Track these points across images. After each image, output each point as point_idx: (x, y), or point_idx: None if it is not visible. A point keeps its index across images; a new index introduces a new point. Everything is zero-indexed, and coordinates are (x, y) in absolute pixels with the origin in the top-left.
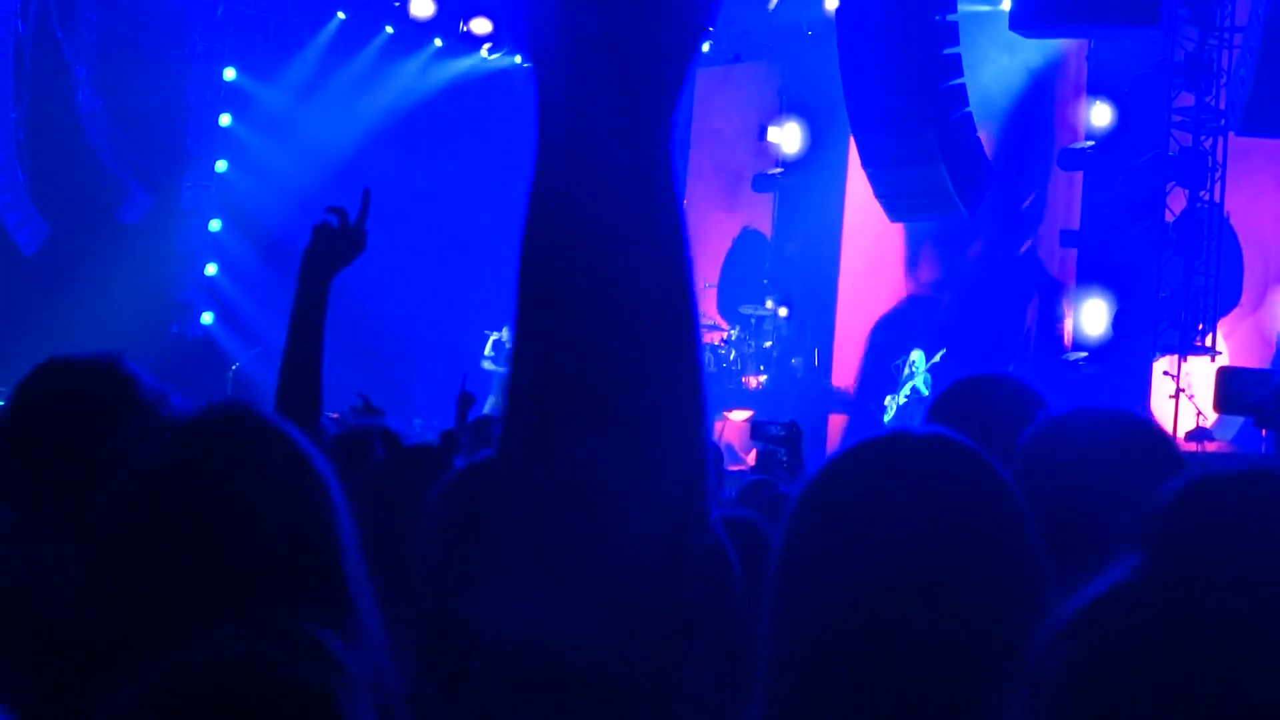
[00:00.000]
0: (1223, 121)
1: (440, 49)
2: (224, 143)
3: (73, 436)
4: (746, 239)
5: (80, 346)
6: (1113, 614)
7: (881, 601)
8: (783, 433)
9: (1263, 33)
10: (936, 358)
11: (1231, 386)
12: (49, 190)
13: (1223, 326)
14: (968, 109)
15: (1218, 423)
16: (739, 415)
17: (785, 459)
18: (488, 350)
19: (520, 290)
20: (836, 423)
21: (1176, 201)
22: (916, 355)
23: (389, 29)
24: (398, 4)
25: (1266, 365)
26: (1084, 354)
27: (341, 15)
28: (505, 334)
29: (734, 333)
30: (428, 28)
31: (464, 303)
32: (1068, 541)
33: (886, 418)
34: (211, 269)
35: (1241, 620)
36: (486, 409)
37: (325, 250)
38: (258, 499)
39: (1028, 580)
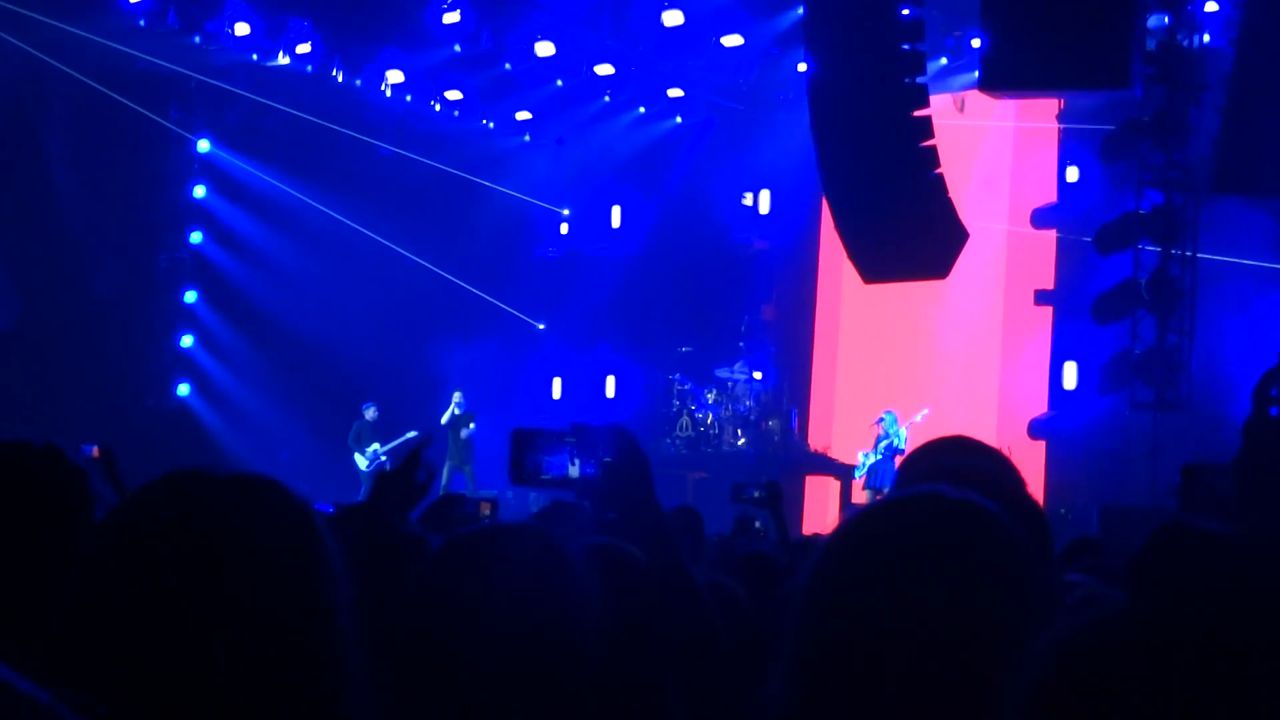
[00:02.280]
0: (1193, 179)
1: (409, 111)
2: (198, 214)
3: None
4: (722, 302)
5: (55, 420)
6: (1103, 637)
7: (901, 652)
8: (762, 494)
9: (1229, 91)
10: (918, 417)
11: (1197, 485)
12: (23, 264)
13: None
14: (939, 170)
15: None
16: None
17: (761, 524)
18: (445, 419)
19: None
20: (813, 484)
21: (1149, 259)
22: (888, 416)
23: (345, 76)
24: (360, 78)
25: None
26: (1055, 413)
27: (309, 68)
28: (458, 397)
29: (711, 396)
30: (395, 90)
31: (435, 360)
32: None
33: (858, 473)
34: (187, 340)
35: (1215, 643)
36: (444, 477)
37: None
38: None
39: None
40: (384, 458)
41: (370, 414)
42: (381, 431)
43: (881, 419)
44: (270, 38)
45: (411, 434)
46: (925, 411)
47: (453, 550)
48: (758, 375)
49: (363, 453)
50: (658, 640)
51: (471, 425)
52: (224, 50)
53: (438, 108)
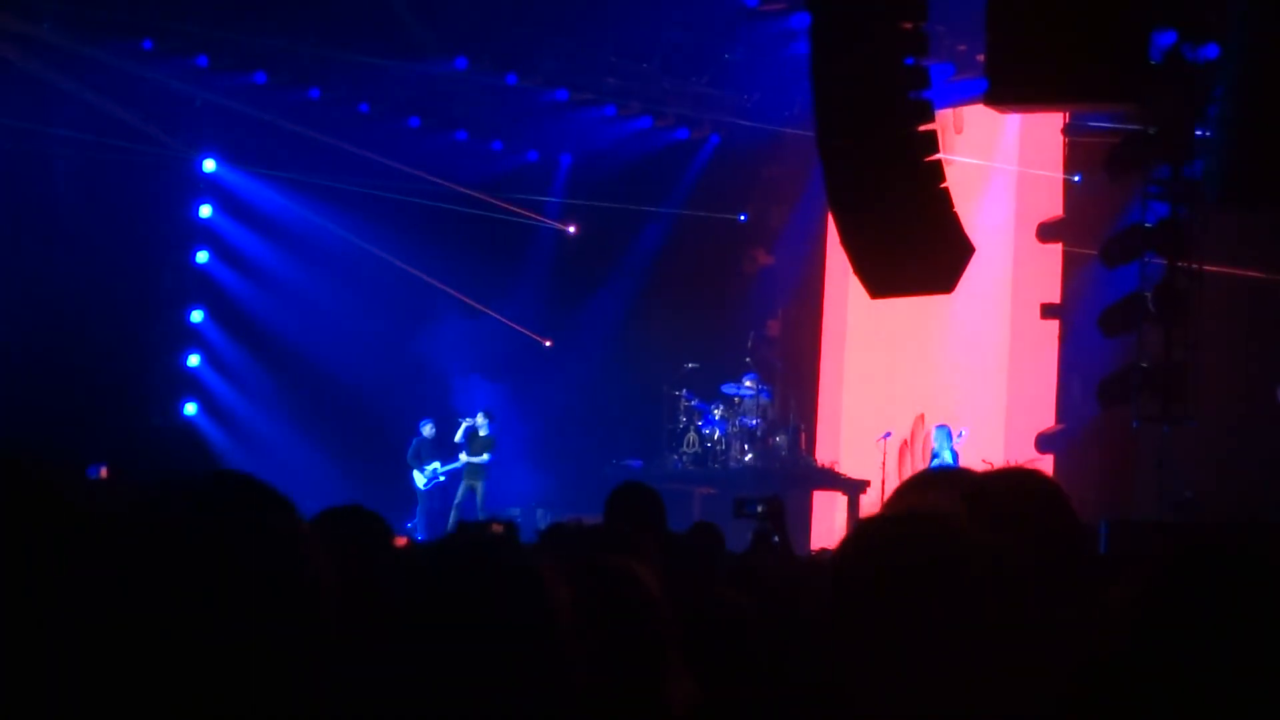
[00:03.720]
0: (1199, 191)
1: (413, 128)
2: (204, 234)
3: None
4: (726, 320)
5: (62, 440)
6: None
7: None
8: (764, 509)
9: (1231, 103)
10: (959, 437)
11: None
12: (29, 283)
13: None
14: (944, 184)
15: None
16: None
17: (778, 539)
18: (458, 436)
19: None
20: (820, 499)
21: (1155, 271)
22: (937, 432)
23: (349, 94)
24: (365, 96)
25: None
26: (1062, 426)
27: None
28: (480, 419)
29: (718, 412)
30: (405, 106)
31: (442, 377)
32: None
33: None
34: (194, 360)
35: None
36: (459, 495)
37: None
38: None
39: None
40: (443, 477)
41: (428, 430)
42: (440, 449)
43: (887, 434)
44: (275, 57)
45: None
46: (964, 432)
47: (425, 557)
48: (761, 390)
49: (421, 470)
50: (653, 650)
51: (487, 454)
52: (228, 70)
53: (440, 125)
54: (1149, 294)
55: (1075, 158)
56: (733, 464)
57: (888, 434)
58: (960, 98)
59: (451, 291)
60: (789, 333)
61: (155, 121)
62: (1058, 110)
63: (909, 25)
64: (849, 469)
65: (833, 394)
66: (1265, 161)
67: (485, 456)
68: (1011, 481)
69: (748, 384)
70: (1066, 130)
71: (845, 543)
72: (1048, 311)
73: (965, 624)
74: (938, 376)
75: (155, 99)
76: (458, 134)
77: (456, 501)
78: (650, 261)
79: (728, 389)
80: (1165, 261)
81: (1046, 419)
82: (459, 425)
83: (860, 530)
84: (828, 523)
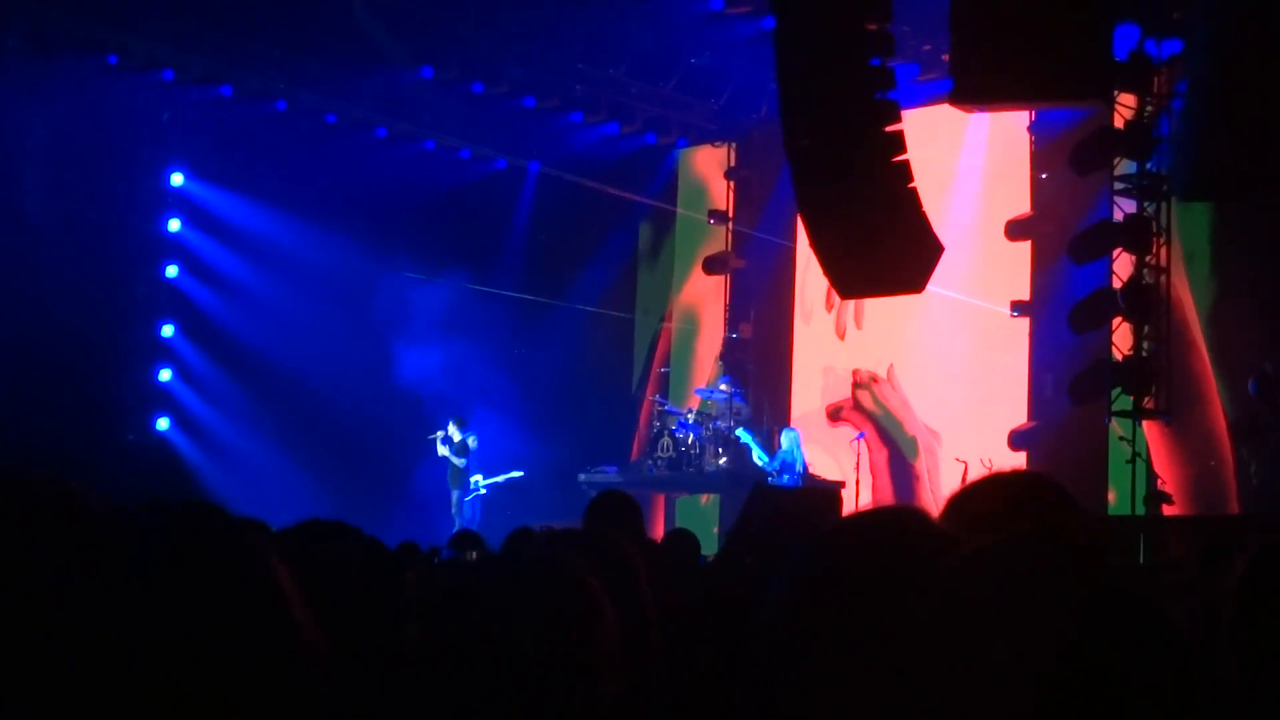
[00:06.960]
0: (1165, 187)
1: (382, 138)
2: (173, 248)
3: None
4: (697, 320)
5: (33, 458)
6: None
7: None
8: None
9: (1196, 98)
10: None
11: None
12: None
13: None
14: (912, 184)
15: None
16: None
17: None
18: (440, 451)
19: None
20: None
21: (1123, 267)
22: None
23: (317, 105)
24: (332, 106)
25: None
26: (1035, 423)
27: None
28: (453, 429)
29: (690, 416)
30: (373, 116)
31: (423, 397)
32: None
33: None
34: (165, 375)
35: None
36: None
37: None
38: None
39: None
40: (484, 490)
41: (472, 441)
42: (477, 461)
43: (860, 435)
44: (241, 70)
45: (517, 473)
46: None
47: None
48: (734, 393)
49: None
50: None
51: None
52: (195, 83)
53: (409, 134)
54: (1119, 290)
55: (1042, 155)
56: (708, 468)
57: (861, 434)
58: (926, 97)
59: (424, 299)
60: (761, 335)
61: (122, 136)
62: (1023, 108)
63: (874, 26)
64: (823, 470)
65: (806, 396)
66: (1230, 155)
67: (463, 462)
68: (1007, 485)
69: (722, 387)
70: (1033, 127)
71: (806, 544)
72: (1018, 309)
73: (931, 634)
74: (909, 375)
75: (122, 113)
76: (425, 143)
77: (454, 510)
78: (620, 265)
79: (701, 393)
80: (1134, 256)
81: (1019, 416)
82: (434, 440)
83: (821, 533)
84: None
